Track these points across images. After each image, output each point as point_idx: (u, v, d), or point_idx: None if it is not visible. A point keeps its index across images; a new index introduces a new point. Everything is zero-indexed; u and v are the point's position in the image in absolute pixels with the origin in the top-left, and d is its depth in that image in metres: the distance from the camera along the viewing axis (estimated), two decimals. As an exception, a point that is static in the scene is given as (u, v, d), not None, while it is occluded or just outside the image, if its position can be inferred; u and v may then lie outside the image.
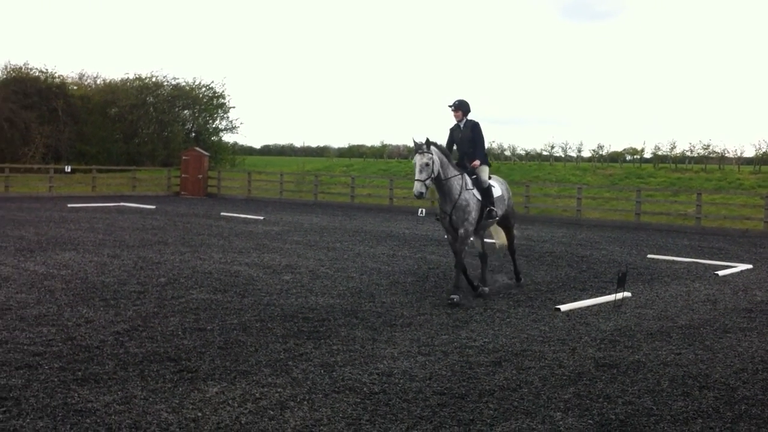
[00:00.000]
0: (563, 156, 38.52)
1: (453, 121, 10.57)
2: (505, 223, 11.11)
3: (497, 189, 10.54)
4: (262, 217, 22.44)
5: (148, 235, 16.37)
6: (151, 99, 49.46)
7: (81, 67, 66.41)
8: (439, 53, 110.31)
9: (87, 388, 5.67)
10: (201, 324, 7.95)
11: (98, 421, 4.99)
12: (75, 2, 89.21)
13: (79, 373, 6.02)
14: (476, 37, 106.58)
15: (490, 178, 10.46)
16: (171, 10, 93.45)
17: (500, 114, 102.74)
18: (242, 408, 5.38)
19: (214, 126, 51.36)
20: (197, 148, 37.60)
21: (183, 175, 35.19)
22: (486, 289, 10.28)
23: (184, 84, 50.08)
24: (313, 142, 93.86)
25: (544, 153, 39.38)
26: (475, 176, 10.22)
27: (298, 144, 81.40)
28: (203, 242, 15.37)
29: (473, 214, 9.94)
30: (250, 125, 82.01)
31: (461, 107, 10.43)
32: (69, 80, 49.28)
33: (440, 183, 9.80)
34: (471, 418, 5.39)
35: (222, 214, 23.43)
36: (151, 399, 5.48)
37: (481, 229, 10.45)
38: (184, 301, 9.10)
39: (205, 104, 50.77)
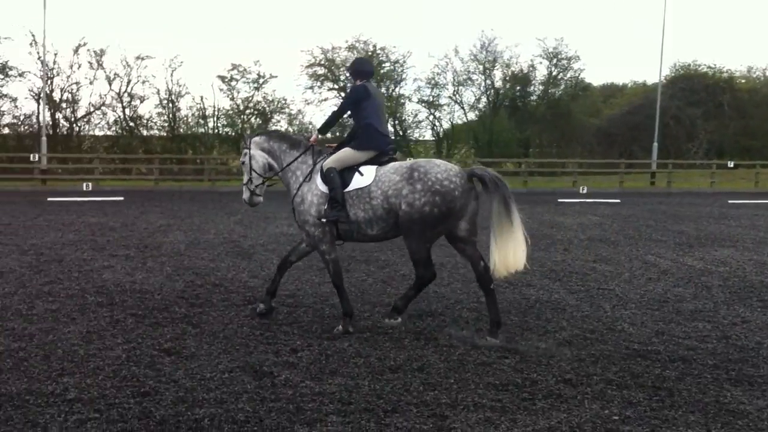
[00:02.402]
0: None
1: None
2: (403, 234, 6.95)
3: (365, 176, 7.02)
4: None
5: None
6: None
7: (750, 61, 64.78)
8: None
9: (740, 389, 5.50)
10: None
11: (750, 424, 4.81)
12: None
13: (733, 373, 5.89)
14: None
15: (385, 161, 7.16)
16: None
17: None
18: None
19: None
20: None
21: None
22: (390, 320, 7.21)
23: None
24: None
25: None
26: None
27: None
28: None
29: (313, 211, 7.12)
30: None
31: (348, 69, 7.23)
32: (737, 74, 48.69)
33: (282, 178, 7.67)
34: None
35: None
36: (810, 413, 5.05)
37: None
38: None
39: None
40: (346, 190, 7.06)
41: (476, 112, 44.36)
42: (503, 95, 44.14)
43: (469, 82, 43.18)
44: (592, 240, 13.87)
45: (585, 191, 28.07)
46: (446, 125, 44.08)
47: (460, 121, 44.44)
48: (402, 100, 42.57)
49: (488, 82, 43.35)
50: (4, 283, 8.88)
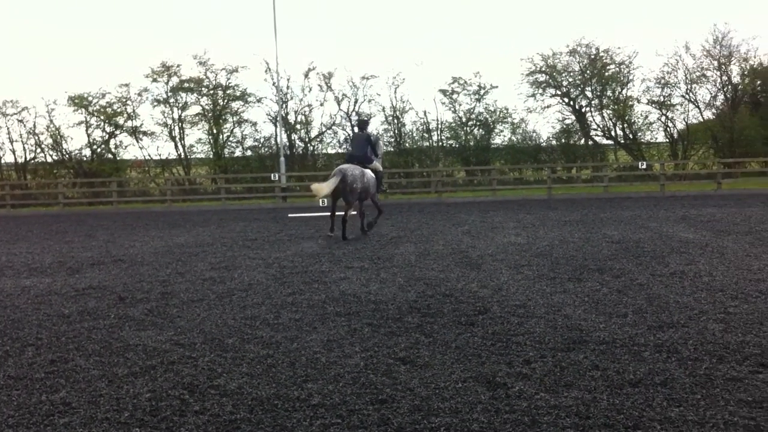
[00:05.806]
0: None
1: None
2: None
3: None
4: None
5: None
6: None
7: None
8: None
9: None
10: None
11: None
12: None
13: None
14: None
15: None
16: None
17: None
18: None
19: None
20: None
21: None
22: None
23: None
24: None
25: None
26: None
27: None
28: None
29: None
30: None
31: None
32: None
33: None
34: None
35: None
36: None
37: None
38: None
39: None
40: None
41: (713, 111, 41.54)
42: (742, 91, 40.98)
43: (703, 79, 40.53)
44: None
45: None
46: (680, 125, 41.65)
47: (695, 121, 41.78)
48: (630, 102, 40.85)
49: (724, 78, 40.47)
50: (253, 294, 9.55)
